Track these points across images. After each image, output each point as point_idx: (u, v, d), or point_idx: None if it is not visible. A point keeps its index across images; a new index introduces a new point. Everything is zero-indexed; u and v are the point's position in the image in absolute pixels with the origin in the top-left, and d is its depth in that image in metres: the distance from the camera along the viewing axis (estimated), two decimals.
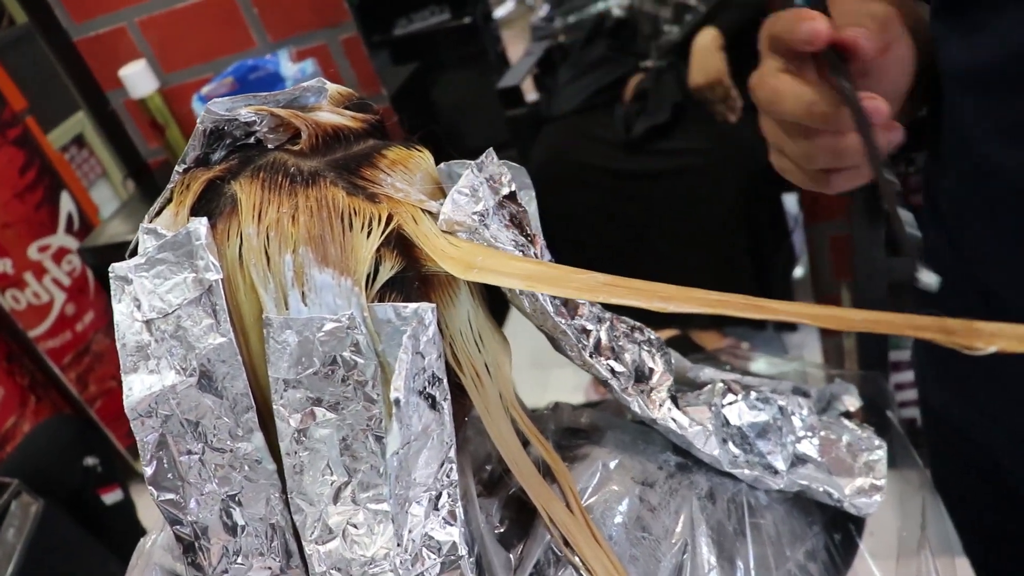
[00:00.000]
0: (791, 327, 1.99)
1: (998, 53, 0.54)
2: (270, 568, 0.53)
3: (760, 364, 1.93)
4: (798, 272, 2.11)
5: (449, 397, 0.52)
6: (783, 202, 1.92)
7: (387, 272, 0.52)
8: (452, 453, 0.52)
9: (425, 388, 0.50)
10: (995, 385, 0.71)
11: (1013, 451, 0.72)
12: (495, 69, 2.66)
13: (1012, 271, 0.63)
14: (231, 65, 1.70)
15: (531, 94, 2.39)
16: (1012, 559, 0.92)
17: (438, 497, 0.52)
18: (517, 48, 3.11)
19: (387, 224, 0.51)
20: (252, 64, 1.62)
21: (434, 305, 0.50)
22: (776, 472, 0.66)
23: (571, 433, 0.66)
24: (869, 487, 0.69)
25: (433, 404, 0.51)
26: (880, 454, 0.70)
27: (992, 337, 0.36)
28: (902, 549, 0.79)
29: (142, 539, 0.65)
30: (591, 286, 0.46)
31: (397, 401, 0.45)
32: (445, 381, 0.51)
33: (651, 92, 1.95)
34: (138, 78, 1.87)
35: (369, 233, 0.51)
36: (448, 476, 0.52)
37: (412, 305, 0.49)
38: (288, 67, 1.59)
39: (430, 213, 0.55)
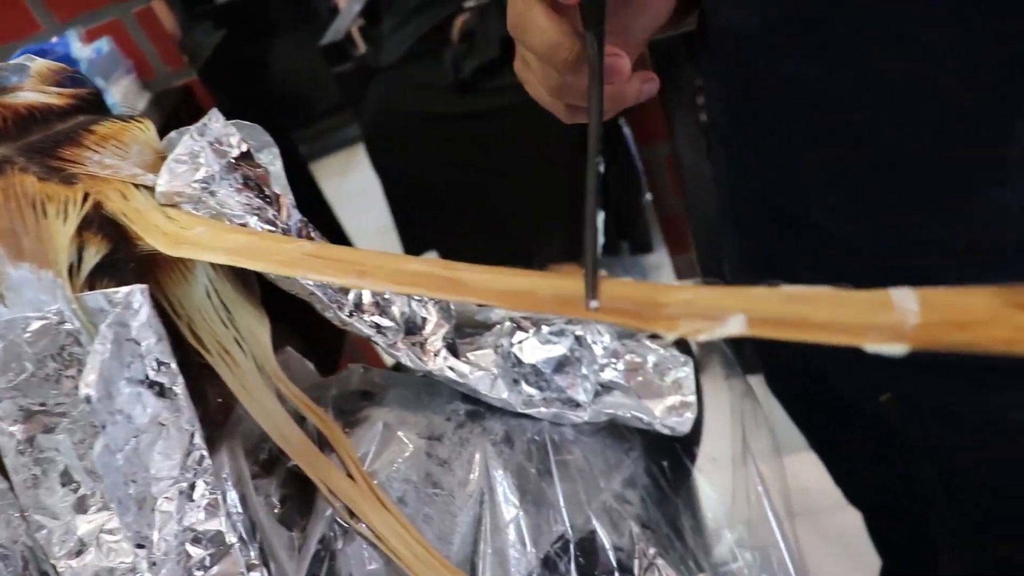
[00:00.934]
0: (646, 249, 2.00)
1: None
2: None
3: None
4: (649, 196, 2.12)
5: (182, 381, 0.48)
6: (623, 127, 1.91)
7: (93, 257, 0.47)
8: (198, 439, 0.49)
9: (148, 376, 0.46)
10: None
11: (817, 346, 0.72)
12: (328, 27, 2.56)
13: (793, 186, 0.62)
14: (15, 53, 1.56)
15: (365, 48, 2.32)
16: (849, 457, 0.94)
17: (192, 487, 0.49)
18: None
19: (83, 205, 0.47)
20: (38, 49, 1.50)
21: (145, 287, 0.46)
22: (578, 405, 0.64)
23: (357, 396, 0.63)
24: (679, 405, 0.68)
25: (161, 392, 0.47)
26: (687, 370, 0.69)
27: (673, 321, 0.33)
28: (734, 461, 0.79)
29: None
30: (293, 259, 0.42)
31: (88, 398, 0.41)
32: (174, 365, 0.48)
33: (477, 30, 1.90)
34: None
35: (66, 218, 0.46)
36: (199, 464, 0.49)
37: (124, 289, 0.45)
38: (80, 49, 1.49)
39: (147, 188, 0.50)
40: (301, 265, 0.42)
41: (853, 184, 0.56)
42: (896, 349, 0.29)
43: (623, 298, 0.35)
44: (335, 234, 2.11)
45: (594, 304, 0.34)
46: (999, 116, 0.47)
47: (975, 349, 0.28)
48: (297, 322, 0.66)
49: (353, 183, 2.68)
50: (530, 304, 0.36)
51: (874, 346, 0.29)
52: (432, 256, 2.11)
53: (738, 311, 0.32)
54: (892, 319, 0.29)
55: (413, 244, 2.05)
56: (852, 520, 1.06)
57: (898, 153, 0.52)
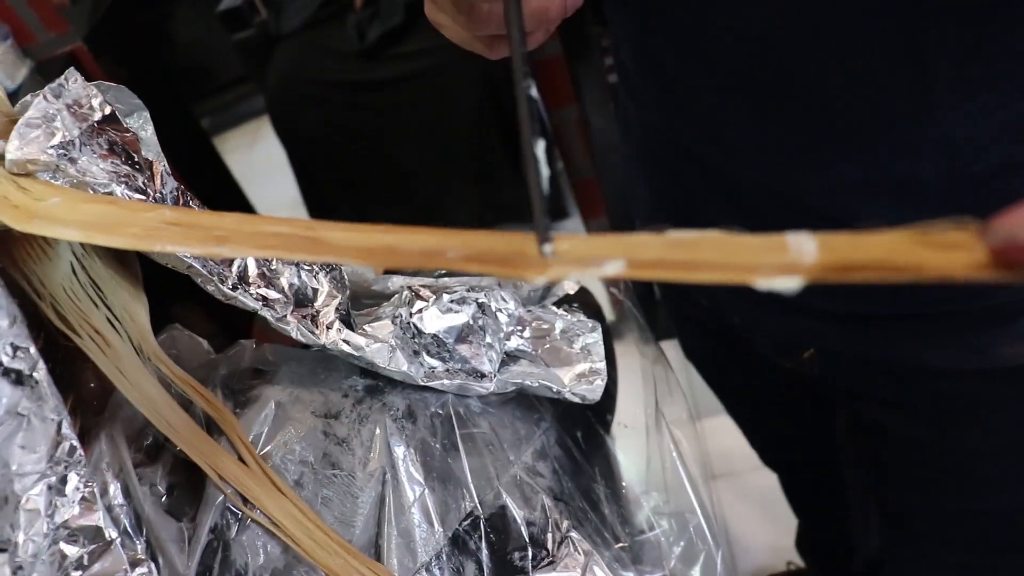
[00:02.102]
0: (562, 215, 1.98)
1: None
2: None
3: None
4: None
5: (44, 367, 0.44)
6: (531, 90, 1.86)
7: None
8: (67, 429, 0.45)
9: (1, 363, 0.42)
10: None
11: (738, 305, 0.70)
12: None
13: (706, 129, 0.60)
14: None
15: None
16: (763, 417, 0.94)
17: (63, 481, 0.45)
18: None
19: None
20: None
21: None
22: (483, 376, 0.61)
23: (249, 374, 0.59)
24: (589, 372, 0.66)
25: (19, 379, 0.43)
26: (596, 336, 0.67)
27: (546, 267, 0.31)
28: (648, 428, 0.78)
29: None
30: (151, 230, 0.38)
31: None
32: (34, 349, 0.43)
33: None
34: None
35: None
36: (69, 455, 0.45)
37: None
38: None
39: None
40: (159, 236, 0.38)
41: (771, 124, 0.54)
42: (789, 284, 0.27)
43: (487, 248, 0.32)
44: (242, 209, 2.04)
45: (548, 248, 0.31)
46: (921, 53, 0.45)
47: (876, 280, 0.26)
48: (208, 300, 0.61)
49: (261, 155, 2.60)
50: (392, 259, 0.33)
51: (765, 281, 0.27)
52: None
53: (618, 256, 0.29)
54: (787, 259, 0.27)
55: (322, 215, 1.99)
56: (771, 481, 1.07)
57: (819, 91, 0.50)
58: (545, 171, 0.34)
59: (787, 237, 0.27)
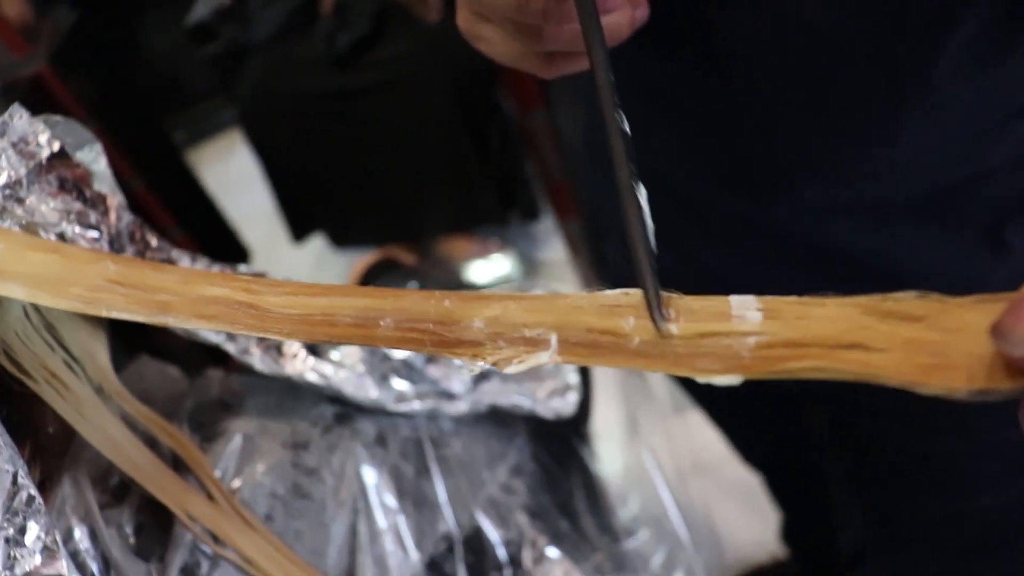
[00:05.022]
0: (534, 215, 1.97)
1: None
2: None
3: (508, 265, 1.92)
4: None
5: None
6: (500, 97, 1.86)
7: None
8: (23, 478, 0.44)
9: None
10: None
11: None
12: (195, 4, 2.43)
13: (669, 154, 0.59)
14: None
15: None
16: (744, 421, 0.93)
17: (22, 532, 0.44)
18: None
19: None
20: None
21: None
22: (454, 396, 0.61)
23: (216, 407, 0.58)
24: (562, 387, 0.66)
25: None
26: None
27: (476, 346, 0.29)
28: (625, 436, 0.78)
29: None
30: (95, 290, 0.37)
31: None
32: None
33: (350, 3, 1.83)
34: None
35: None
36: (27, 505, 0.44)
37: None
38: None
39: None
40: (103, 300, 0.37)
41: (739, 149, 0.54)
42: (730, 380, 0.26)
43: (420, 316, 0.31)
44: (218, 224, 2.03)
45: (668, 327, 0.27)
46: (891, 75, 0.45)
47: (825, 375, 0.24)
48: None
49: (236, 167, 2.57)
50: (328, 333, 0.32)
51: (705, 378, 0.26)
52: (319, 239, 2.05)
53: (549, 327, 0.29)
54: (728, 345, 0.26)
55: (300, 226, 1.98)
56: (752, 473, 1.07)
57: (787, 116, 0.50)
58: (650, 222, 0.30)
59: (731, 300, 0.26)
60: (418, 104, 1.77)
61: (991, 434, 0.59)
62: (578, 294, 0.29)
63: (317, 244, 2.13)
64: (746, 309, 0.26)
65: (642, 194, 0.30)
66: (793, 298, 0.26)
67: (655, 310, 0.28)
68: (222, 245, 1.98)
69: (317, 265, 2.18)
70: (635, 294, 0.29)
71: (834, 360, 0.24)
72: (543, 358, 0.29)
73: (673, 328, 0.27)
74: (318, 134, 1.85)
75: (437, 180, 1.85)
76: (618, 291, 0.29)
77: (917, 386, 0.23)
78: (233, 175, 2.56)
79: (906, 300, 0.24)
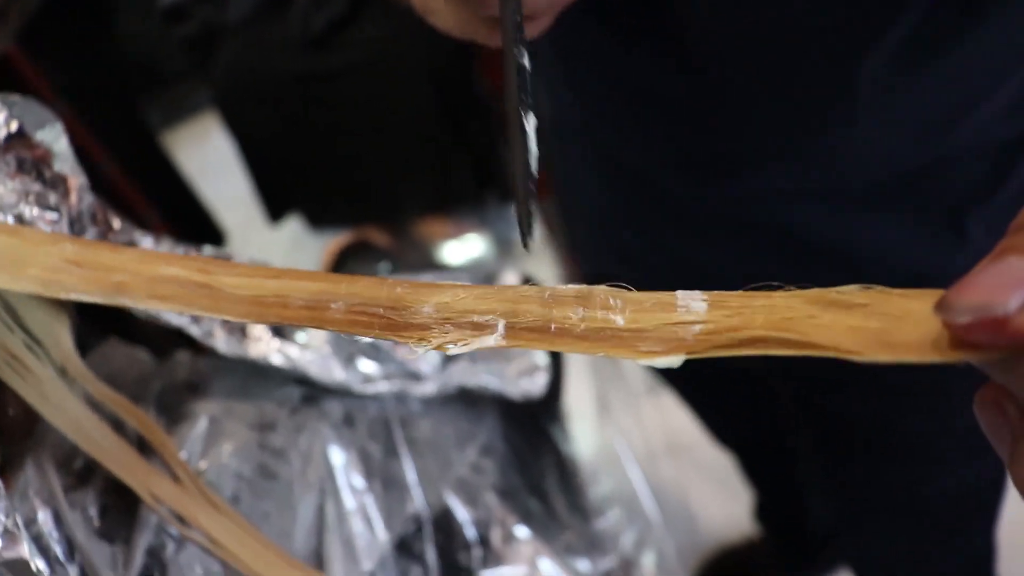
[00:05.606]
0: (510, 197, 1.97)
1: None
2: None
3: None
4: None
5: None
6: (476, 78, 1.86)
7: None
8: None
9: None
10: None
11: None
12: None
13: (629, 141, 0.59)
14: None
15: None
16: (715, 403, 0.93)
17: None
18: None
19: None
20: None
21: None
22: (421, 378, 0.61)
23: (183, 388, 0.58)
24: (531, 367, 0.66)
25: None
26: None
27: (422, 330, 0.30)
28: (595, 415, 0.78)
29: None
30: (53, 271, 0.37)
31: None
32: None
33: None
34: None
35: None
36: None
37: None
38: None
39: None
40: (60, 282, 0.37)
41: (699, 134, 0.54)
42: (672, 361, 0.26)
43: (371, 301, 0.31)
44: (193, 206, 2.01)
45: (533, 245, 0.31)
46: (845, 63, 0.46)
47: (767, 349, 0.25)
48: None
49: (214, 149, 2.55)
50: (280, 315, 0.32)
51: (647, 360, 0.27)
52: (295, 221, 2.04)
53: (498, 315, 0.29)
54: (674, 331, 0.26)
55: (275, 207, 1.97)
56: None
57: (747, 102, 0.50)
58: (534, 148, 0.32)
59: (677, 296, 0.27)
60: (394, 85, 1.77)
61: (949, 417, 0.60)
62: (528, 286, 0.30)
63: (293, 226, 2.12)
64: (691, 300, 0.27)
65: (530, 123, 0.32)
66: (739, 292, 0.26)
67: (525, 231, 0.31)
68: (198, 228, 1.97)
69: (293, 247, 2.18)
70: (585, 288, 0.29)
71: (775, 332, 0.24)
72: (489, 341, 0.29)
73: (619, 320, 0.28)
74: (294, 115, 1.84)
75: (413, 162, 1.85)
76: (570, 286, 0.29)
77: (860, 356, 0.23)
78: (209, 157, 2.55)
79: (850, 292, 0.25)
